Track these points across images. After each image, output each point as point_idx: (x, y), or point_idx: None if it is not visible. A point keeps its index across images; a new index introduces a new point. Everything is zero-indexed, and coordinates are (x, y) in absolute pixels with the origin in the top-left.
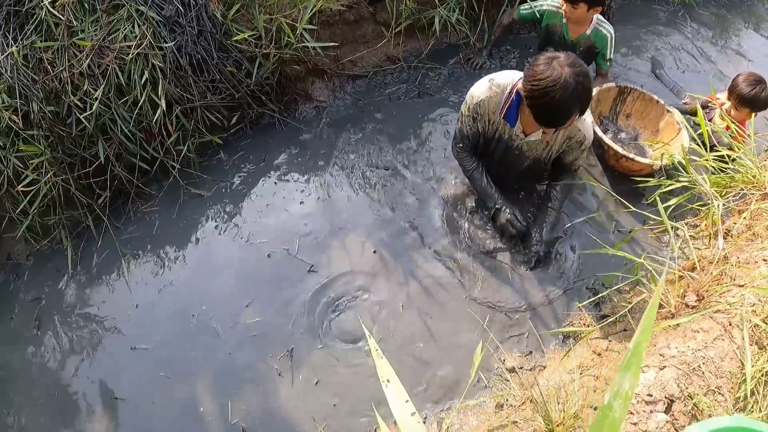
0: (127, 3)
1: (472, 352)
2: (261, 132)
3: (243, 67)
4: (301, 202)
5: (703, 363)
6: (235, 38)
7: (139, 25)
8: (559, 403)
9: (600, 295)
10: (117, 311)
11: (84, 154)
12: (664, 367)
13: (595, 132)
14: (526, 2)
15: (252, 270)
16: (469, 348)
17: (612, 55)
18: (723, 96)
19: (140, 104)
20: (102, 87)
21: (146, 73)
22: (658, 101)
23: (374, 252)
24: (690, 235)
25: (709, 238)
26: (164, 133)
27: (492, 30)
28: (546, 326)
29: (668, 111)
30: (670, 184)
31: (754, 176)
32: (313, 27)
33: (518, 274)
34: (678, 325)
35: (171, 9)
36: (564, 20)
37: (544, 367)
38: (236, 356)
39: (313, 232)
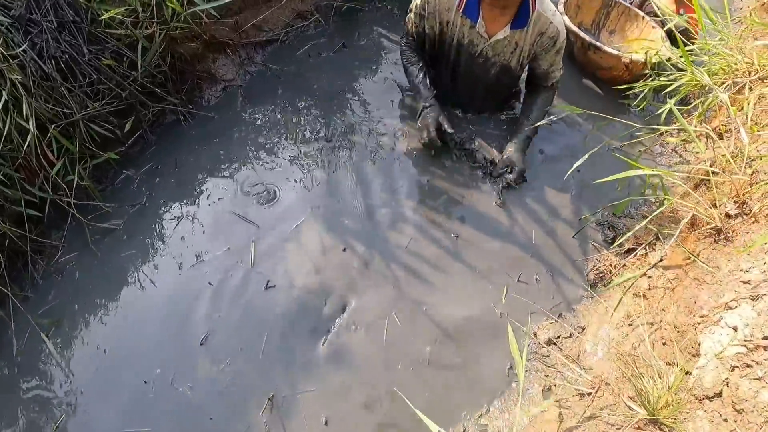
0: None
1: (493, 337)
2: (166, 134)
3: (125, 58)
4: (236, 205)
5: None
6: (103, 17)
7: None
8: (646, 377)
9: (629, 233)
10: (55, 402)
11: None
12: (758, 296)
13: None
14: None
15: (197, 302)
16: (489, 333)
17: None
18: None
19: (3, 135)
20: None
21: (4, 93)
22: (643, 17)
23: (344, 250)
24: (684, 140)
25: (707, 138)
26: (46, 164)
27: None
28: (567, 280)
29: (653, 27)
30: (665, 83)
31: (735, 63)
32: None
33: (519, 225)
34: (724, 239)
35: (20, 5)
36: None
37: (584, 328)
38: (217, 420)
39: (260, 238)
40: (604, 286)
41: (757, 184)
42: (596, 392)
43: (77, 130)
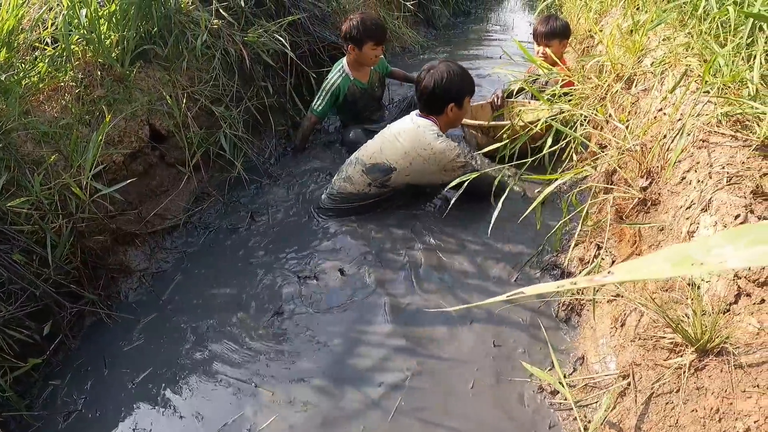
0: None
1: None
2: (89, 336)
3: (35, 256)
4: (179, 394)
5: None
6: (10, 204)
7: None
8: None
9: (601, 264)
10: None
11: None
12: (707, 205)
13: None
14: (315, 100)
15: None
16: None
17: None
18: (538, 49)
19: None
20: None
21: None
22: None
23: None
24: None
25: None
26: None
27: (295, 139)
28: (542, 328)
29: (528, 102)
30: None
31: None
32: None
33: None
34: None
35: None
36: (351, 78)
37: (583, 357)
38: None
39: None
40: (578, 315)
41: (647, 153)
42: (633, 375)
43: None
